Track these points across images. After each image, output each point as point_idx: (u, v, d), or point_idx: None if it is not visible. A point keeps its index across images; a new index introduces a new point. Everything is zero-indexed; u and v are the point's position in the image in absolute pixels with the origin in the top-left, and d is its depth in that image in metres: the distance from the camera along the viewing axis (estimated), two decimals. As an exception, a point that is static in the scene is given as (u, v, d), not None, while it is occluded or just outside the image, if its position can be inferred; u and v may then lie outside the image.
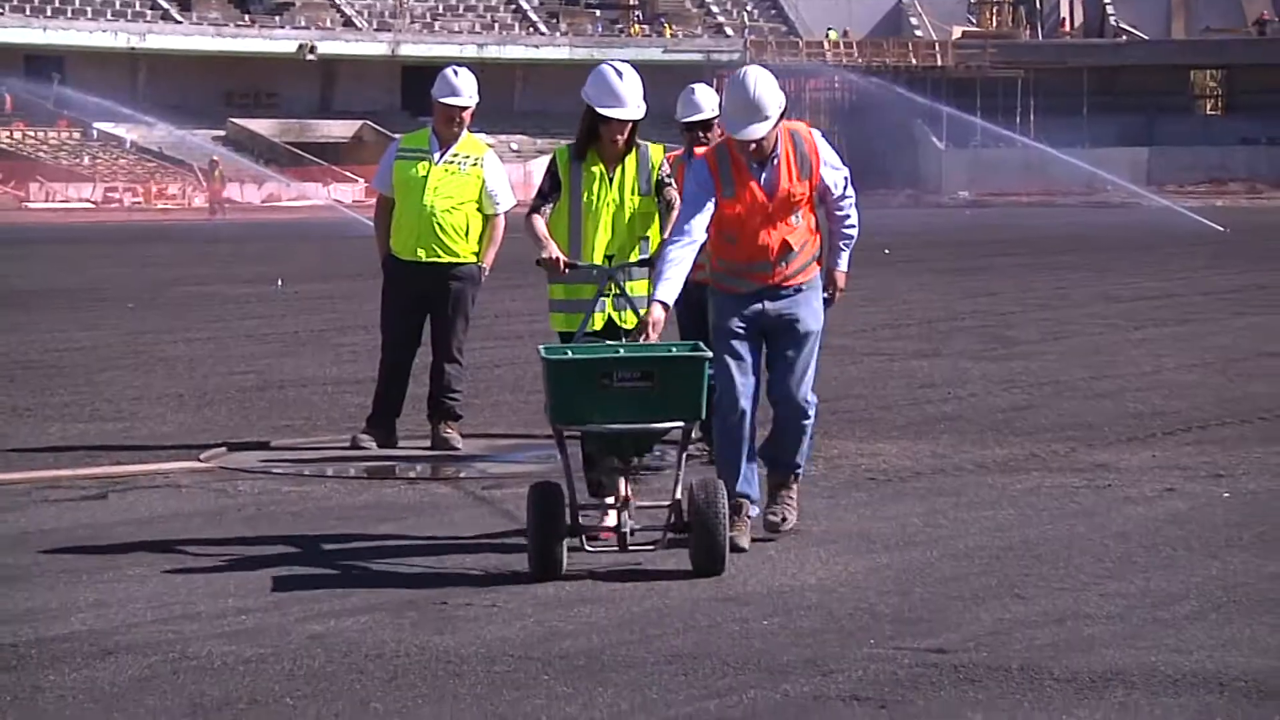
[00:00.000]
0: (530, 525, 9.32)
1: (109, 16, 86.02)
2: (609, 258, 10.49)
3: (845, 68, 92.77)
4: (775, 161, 10.09)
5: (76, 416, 15.83)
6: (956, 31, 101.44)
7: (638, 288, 10.53)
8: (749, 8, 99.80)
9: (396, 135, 15.84)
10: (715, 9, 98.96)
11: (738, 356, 10.16)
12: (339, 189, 79.62)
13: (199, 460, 13.36)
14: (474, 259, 13.87)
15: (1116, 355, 20.10)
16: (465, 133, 13.91)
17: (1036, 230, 55.00)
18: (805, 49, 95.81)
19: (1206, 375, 18.28)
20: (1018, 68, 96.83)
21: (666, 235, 10.23)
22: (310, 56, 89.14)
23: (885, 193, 78.44)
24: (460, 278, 13.83)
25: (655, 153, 10.68)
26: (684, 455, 9.70)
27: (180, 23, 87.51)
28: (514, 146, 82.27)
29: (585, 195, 10.57)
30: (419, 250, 13.77)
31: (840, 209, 10.41)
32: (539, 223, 10.48)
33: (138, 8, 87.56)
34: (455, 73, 13.97)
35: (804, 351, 10.31)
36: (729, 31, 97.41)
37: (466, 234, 13.82)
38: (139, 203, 78.37)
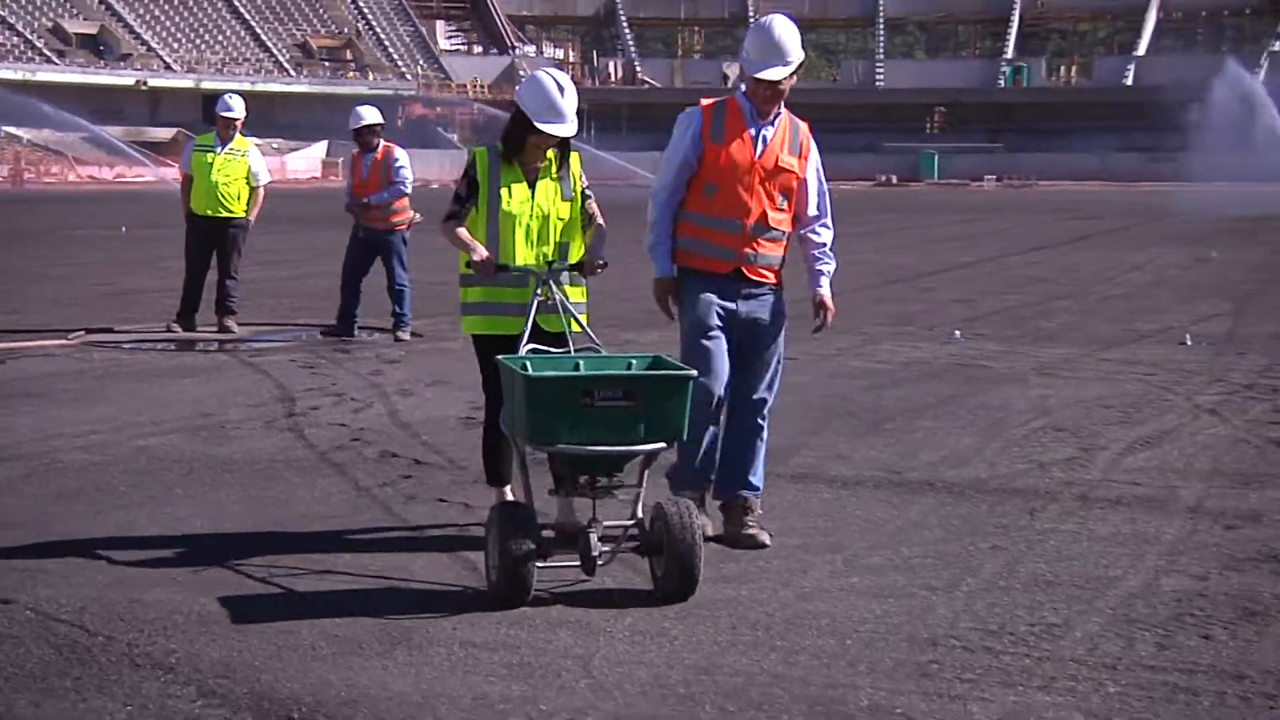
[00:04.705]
0: (497, 546, 5.39)
1: (9, 61, 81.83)
2: (549, 263, 6.16)
3: (480, 100, 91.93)
4: (774, 123, 6.28)
5: (-13, 312, 15.08)
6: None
7: (571, 294, 6.22)
8: (420, 63, 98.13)
9: (193, 136, 15.39)
10: (400, 63, 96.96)
11: (716, 342, 6.21)
12: (162, 171, 76.62)
13: (67, 339, 12.84)
14: (244, 214, 13.61)
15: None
16: (238, 135, 13.59)
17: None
18: (456, 88, 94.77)
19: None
20: (582, 102, 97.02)
21: (657, 194, 6.36)
22: (143, 87, 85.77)
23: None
24: (235, 226, 13.59)
25: (574, 159, 6.33)
26: (645, 473, 5.59)
27: (58, 64, 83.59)
28: (274, 145, 79.83)
29: (505, 202, 6.22)
30: (207, 209, 13.51)
31: (818, 235, 6.41)
32: (460, 230, 6.21)
33: (29, 55, 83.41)
34: (230, 97, 13.74)
35: (772, 356, 6.37)
36: (408, 76, 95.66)
37: (238, 199, 13.56)
38: (32, 178, 74.67)
